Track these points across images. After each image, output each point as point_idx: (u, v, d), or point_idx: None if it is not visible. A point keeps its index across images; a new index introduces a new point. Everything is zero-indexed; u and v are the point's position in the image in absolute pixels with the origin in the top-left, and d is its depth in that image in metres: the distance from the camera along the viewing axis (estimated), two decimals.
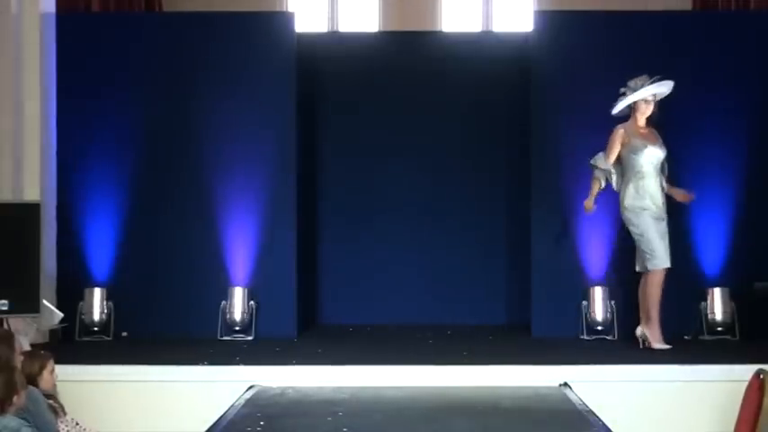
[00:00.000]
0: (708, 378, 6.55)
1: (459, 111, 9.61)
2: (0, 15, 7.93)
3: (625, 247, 8.31)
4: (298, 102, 8.64)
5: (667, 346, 7.49)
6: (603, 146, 7.88)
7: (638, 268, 7.70)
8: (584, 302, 8.27)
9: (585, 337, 8.22)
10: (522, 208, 8.89)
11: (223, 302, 8.35)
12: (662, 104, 7.86)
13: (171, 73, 8.58)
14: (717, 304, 8.23)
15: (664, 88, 7.67)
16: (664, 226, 7.63)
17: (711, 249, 8.40)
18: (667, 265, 7.55)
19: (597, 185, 7.81)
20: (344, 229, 9.62)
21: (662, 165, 7.73)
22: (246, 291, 8.37)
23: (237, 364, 6.87)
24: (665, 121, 7.94)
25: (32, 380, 5.29)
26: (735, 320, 8.19)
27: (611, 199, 8.06)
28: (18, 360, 5.18)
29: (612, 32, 8.57)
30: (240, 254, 8.46)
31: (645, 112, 7.66)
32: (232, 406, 5.66)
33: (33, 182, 8.07)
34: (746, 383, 6.08)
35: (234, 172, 8.49)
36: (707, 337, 8.17)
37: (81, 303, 8.29)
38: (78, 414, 5.73)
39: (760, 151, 8.44)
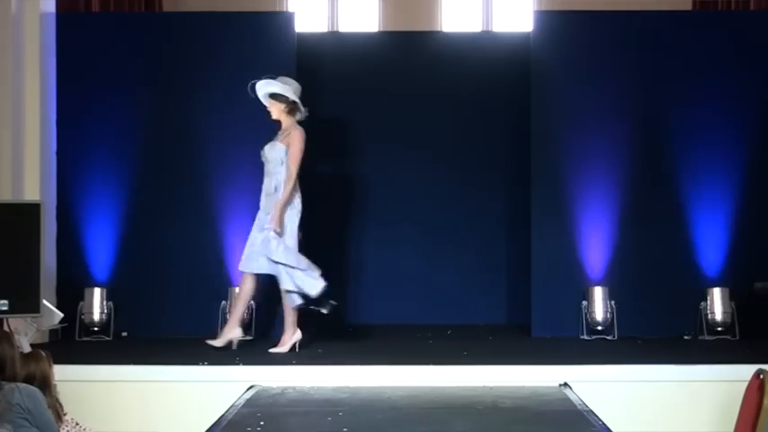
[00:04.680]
0: (708, 378, 6.54)
1: (458, 111, 9.59)
2: (0, 15, 7.93)
3: (625, 247, 8.32)
4: None
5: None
6: (602, 146, 7.86)
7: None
8: (584, 302, 8.27)
9: (585, 337, 8.22)
10: (522, 208, 8.88)
11: (223, 302, 8.34)
12: (663, 105, 7.86)
13: (171, 73, 8.57)
14: (717, 304, 8.22)
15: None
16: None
17: (711, 249, 8.39)
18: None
19: None
20: (344, 228, 9.61)
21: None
22: None
23: (237, 364, 6.87)
24: (664, 121, 7.93)
25: (32, 380, 5.29)
26: (735, 320, 8.19)
27: (611, 198, 8.07)
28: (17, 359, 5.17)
29: (612, 32, 8.57)
30: (240, 254, 8.44)
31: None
32: (232, 406, 5.66)
33: (33, 182, 8.06)
34: (746, 383, 6.07)
35: (234, 172, 8.48)
36: (707, 337, 8.16)
37: (81, 303, 8.30)
38: (78, 414, 5.71)
39: (760, 151, 8.44)
